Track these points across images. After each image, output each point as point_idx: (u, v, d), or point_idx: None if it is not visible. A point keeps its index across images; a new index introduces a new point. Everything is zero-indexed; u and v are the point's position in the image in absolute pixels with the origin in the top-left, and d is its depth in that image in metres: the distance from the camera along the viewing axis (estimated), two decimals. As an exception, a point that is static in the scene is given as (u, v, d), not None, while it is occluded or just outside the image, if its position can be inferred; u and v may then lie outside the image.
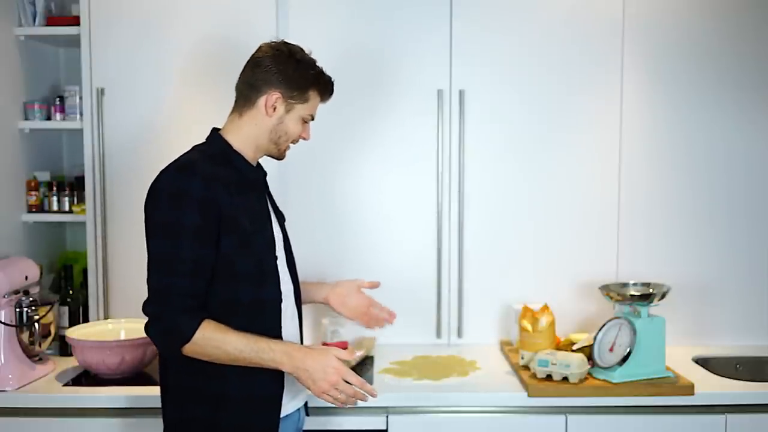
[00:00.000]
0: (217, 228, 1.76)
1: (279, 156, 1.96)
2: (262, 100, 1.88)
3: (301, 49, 1.94)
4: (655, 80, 2.79)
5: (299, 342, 2.01)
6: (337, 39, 2.77)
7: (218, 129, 1.94)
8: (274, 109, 1.88)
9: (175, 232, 1.74)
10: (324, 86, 1.94)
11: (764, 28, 2.79)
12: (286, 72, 1.88)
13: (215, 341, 1.74)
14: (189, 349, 1.75)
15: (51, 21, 2.80)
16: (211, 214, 1.75)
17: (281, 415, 1.89)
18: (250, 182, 1.90)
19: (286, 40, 1.96)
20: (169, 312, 1.74)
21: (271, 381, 1.85)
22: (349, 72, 2.77)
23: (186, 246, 1.74)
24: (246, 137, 1.90)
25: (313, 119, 1.97)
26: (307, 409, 2.08)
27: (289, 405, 1.93)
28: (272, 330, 1.86)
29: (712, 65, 2.79)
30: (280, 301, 1.89)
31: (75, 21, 2.73)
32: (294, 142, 1.96)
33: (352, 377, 1.79)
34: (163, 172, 1.81)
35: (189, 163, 1.81)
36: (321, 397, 1.79)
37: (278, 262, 1.91)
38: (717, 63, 2.79)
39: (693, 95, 2.80)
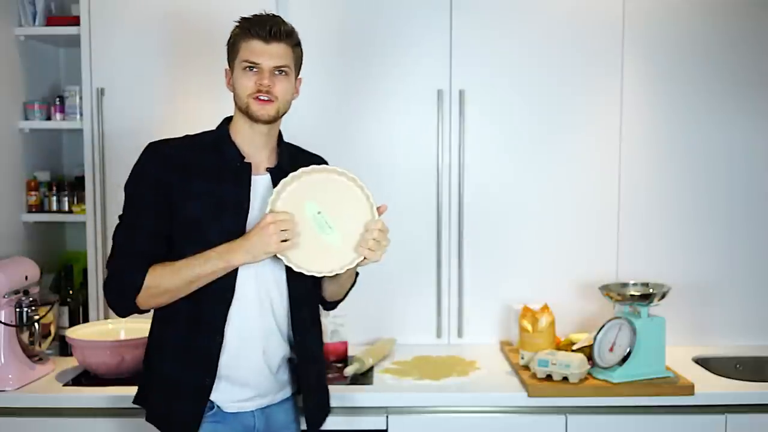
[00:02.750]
0: (168, 208, 1.85)
1: (249, 114, 1.88)
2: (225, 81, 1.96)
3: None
4: (655, 80, 2.79)
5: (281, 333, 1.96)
6: (336, 39, 2.77)
7: (230, 118, 1.98)
8: (229, 80, 1.93)
9: (133, 203, 1.89)
10: (246, 30, 1.86)
11: (764, 28, 2.79)
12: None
13: (167, 274, 1.81)
14: (142, 297, 1.83)
15: (51, 21, 2.81)
16: (161, 193, 1.85)
17: (219, 409, 1.90)
18: (231, 171, 1.90)
19: None
20: (123, 268, 1.85)
21: (202, 371, 1.87)
22: (348, 72, 2.78)
23: (140, 215, 1.86)
24: (234, 119, 1.95)
25: (255, 64, 1.85)
26: (310, 427, 2.02)
27: (235, 404, 1.92)
28: (219, 317, 1.86)
29: (712, 65, 2.79)
30: (231, 291, 1.86)
31: (75, 21, 2.73)
32: (254, 94, 1.86)
33: (280, 215, 1.80)
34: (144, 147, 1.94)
35: (158, 143, 1.93)
36: (281, 250, 1.80)
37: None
38: (717, 63, 2.79)
39: (693, 95, 2.80)
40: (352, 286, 2.08)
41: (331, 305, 2.13)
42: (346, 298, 2.13)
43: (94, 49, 2.70)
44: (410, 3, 2.76)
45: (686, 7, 2.78)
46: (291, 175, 1.85)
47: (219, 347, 1.87)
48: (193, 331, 1.87)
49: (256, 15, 1.91)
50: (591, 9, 2.77)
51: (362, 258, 1.86)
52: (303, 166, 1.90)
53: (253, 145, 1.93)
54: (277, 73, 1.87)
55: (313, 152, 2.10)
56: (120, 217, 1.91)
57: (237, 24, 1.91)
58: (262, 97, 1.86)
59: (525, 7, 2.77)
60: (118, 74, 2.71)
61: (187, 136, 1.96)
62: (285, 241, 1.80)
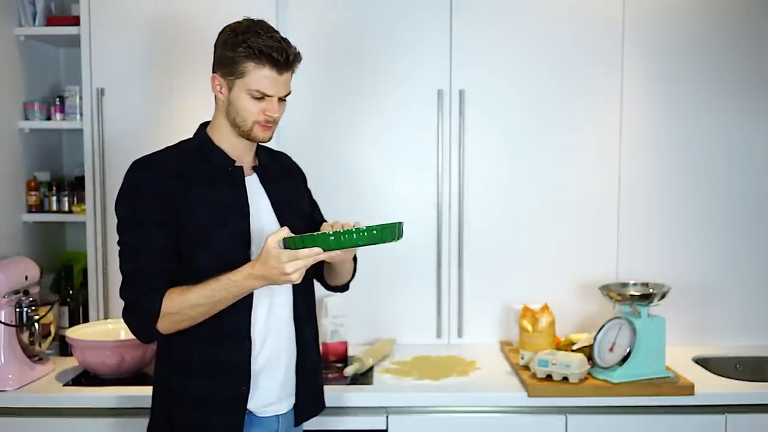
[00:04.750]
0: (175, 220, 1.80)
1: (249, 137, 1.87)
2: (211, 84, 1.89)
3: (249, 24, 1.83)
4: (655, 80, 2.79)
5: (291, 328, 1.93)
6: (336, 38, 2.77)
7: (207, 123, 1.96)
8: (221, 89, 1.87)
9: (135, 224, 1.81)
10: (258, 56, 1.78)
11: (764, 28, 2.79)
12: (217, 52, 1.88)
13: (185, 301, 1.76)
14: (163, 323, 1.78)
15: (51, 21, 2.80)
16: (166, 206, 1.79)
17: (252, 415, 1.87)
18: (225, 175, 1.88)
19: (248, 17, 1.86)
20: (138, 295, 1.79)
21: (235, 380, 1.84)
22: (348, 72, 2.78)
23: (149, 235, 1.79)
24: (218, 125, 1.91)
25: (265, 95, 1.81)
26: (297, 419, 1.98)
27: (266, 409, 1.89)
28: (244, 323, 1.83)
29: (712, 65, 2.79)
30: (251, 296, 1.83)
31: (75, 21, 2.73)
32: (261, 122, 1.84)
33: (300, 260, 1.68)
34: (129, 167, 1.86)
35: (146, 158, 1.87)
36: (300, 279, 1.71)
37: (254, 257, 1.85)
38: (717, 63, 2.79)
39: (693, 95, 2.80)
40: (355, 263, 2.07)
41: (343, 288, 2.10)
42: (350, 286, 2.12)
43: (94, 49, 2.70)
44: (410, 3, 2.76)
45: (686, 7, 2.78)
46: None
47: (249, 353, 1.85)
48: (219, 343, 1.83)
49: (263, 34, 1.80)
50: (591, 9, 2.77)
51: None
52: (282, 164, 2.02)
53: (240, 150, 1.91)
54: (282, 99, 1.87)
55: (278, 150, 2.11)
56: (119, 243, 1.83)
57: (243, 45, 1.79)
58: (267, 125, 1.85)
59: (525, 7, 2.77)
60: (118, 74, 2.71)
61: (167, 147, 1.92)
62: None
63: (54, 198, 2.88)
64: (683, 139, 2.81)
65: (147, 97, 2.72)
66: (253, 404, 1.87)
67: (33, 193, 2.86)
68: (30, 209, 2.86)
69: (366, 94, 2.79)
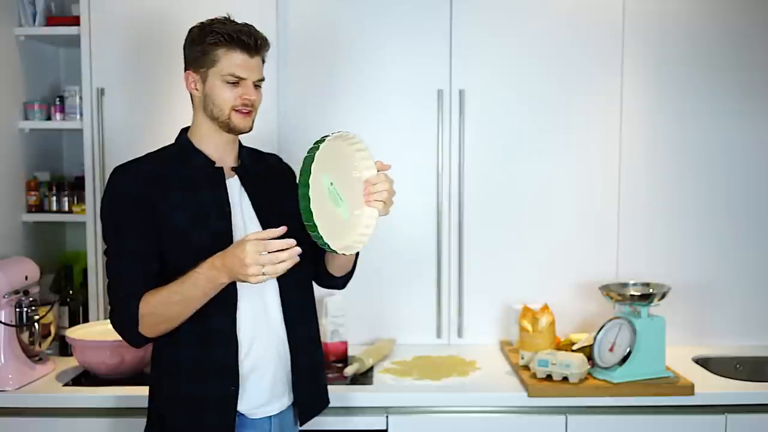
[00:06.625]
0: (155, 223, 1.81)
1: (229, 127, 1.87)
2: (185, 83, 1.90)
3: (214, 19, 1.88)
4: (655, 80, 2.79)
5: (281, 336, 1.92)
6: (336, 38, 2.77)
7: (188, 128, 1.96)
8: (195, 86, 1.88)
9: (118, 228, 1.83)
10: (228, 41, 1.81)
11: (764, 28, 2.79)
12: (186, 51, 1.90)
13: (158, 300, 1.76)
14: (144, 326, 1.79)
15: (51, 21, 2.81)
16: (145, 210, 1.81)
17: (243, 417, 1.86)
18: (205, 177, 1.88)
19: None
20: (120, 299, 1.81)
21: (224, 381, 1.83)
22: (347, 71, 2.78)
23: (129, 239, 1.81)
24: (198, 125, 1.91)
25: (240, 78, 1.83)
26: (298, 418, 1.98)
27: (256, 411, 1.89)
28: (229, 325, 1.83)
29: (711, 65, 2.79)
30: (234, 296, 1.84)
31: (75, 21, 2.73)
32: (237, 107, 1.84)
33: (271, 245, 1.66)
34: (110, 173, 1.89)
35: (127, 164, 1.89)
36: (259, 281, 1.68)
37: None
38: (717, 63, 2.79)
39: (693, 95, 2.80)
40: (357, 256, 2.04)
41: (342, 280, 2.08)
42: (348, 285, 2.11)
43: (94, 49, 2.70)
44: (411, 3, 2.76)
45: (686, 6, 2.78)
46: (310, 148, 1.71)
47: (236, 354, 1.84)
48: (206, 345, 1.83)
49: (228, 23, 1.85)
50: (591, 9, 2.77)
51: (373, 222, 1.80)
52: (266, 166, 1.99)
53: (221, 150, 1.92)
54: (256, 85, 1.87)
55: (269, 152, 2.11)
56: (105, 251, 1.86)
57: (210, 35, 1.83)
58: (244, 110, 1.86)
59: (525, 7, 2.77)
60: (118, 74, 2.71)
61: (149, 153, 1.94)
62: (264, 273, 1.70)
63: (54, 198, 2.88)
64: (683, 139, 2.81)
65: (147, 97, 2.72)
66: (242, 406, 1.87)
67: (33, 193, 2.86)
68: (30, 209, 2.86)
69: (365, 93, 2.79)
